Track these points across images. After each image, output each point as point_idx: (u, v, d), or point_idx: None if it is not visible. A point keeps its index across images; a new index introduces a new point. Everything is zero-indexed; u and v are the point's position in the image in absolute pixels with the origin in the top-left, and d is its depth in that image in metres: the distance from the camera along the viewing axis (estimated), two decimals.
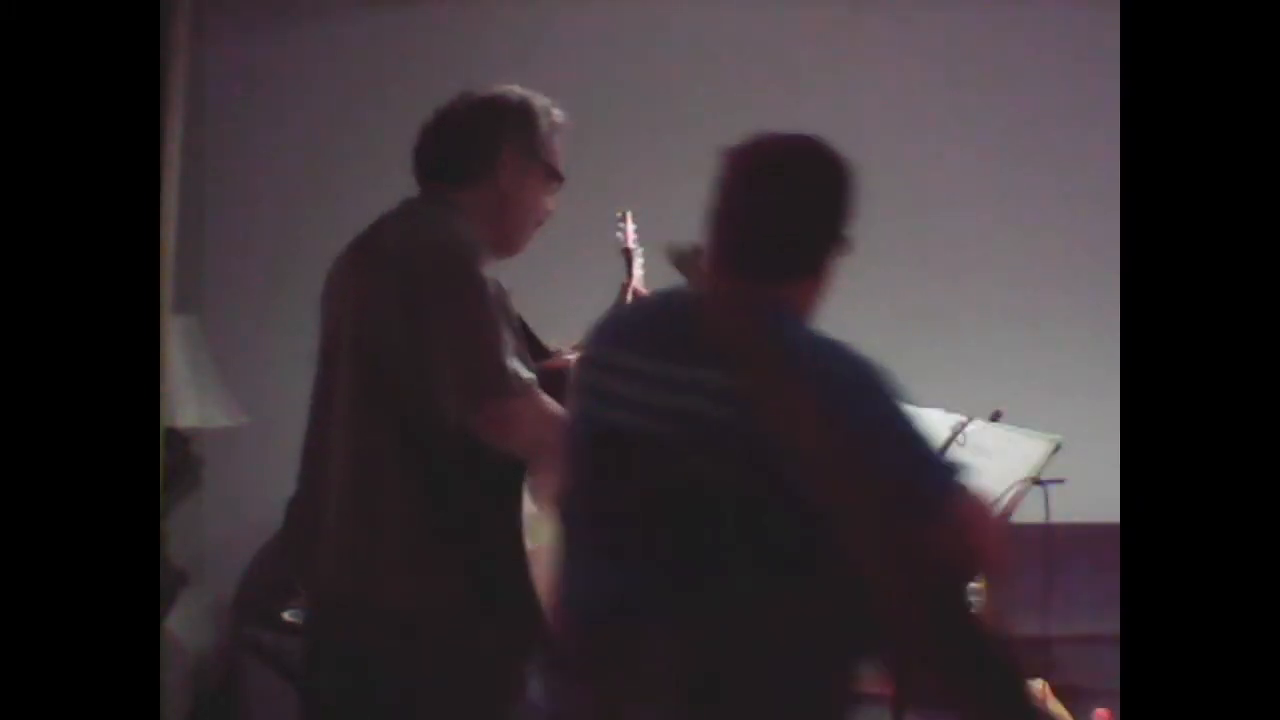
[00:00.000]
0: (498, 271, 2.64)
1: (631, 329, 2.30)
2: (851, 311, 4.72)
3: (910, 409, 2.12)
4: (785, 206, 2.23)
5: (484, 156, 2.71)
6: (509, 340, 2.57)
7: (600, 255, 3.41)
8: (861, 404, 2.08)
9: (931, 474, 2.10)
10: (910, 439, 2.10)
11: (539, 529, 2.51)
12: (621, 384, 2.17)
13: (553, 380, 2.58)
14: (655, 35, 4.87)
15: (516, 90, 2.75)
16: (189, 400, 4.40)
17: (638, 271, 3.28)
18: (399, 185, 2.67)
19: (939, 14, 4.87)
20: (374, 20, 4.83)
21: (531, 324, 2.77)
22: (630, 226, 3.34)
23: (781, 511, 2.03)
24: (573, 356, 2.96)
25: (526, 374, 2.56)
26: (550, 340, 2.85)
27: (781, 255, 2.22)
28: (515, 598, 2.52)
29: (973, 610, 2.23)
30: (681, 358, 2.12)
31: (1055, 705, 3.45)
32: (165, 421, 4.20)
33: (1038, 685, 3.41)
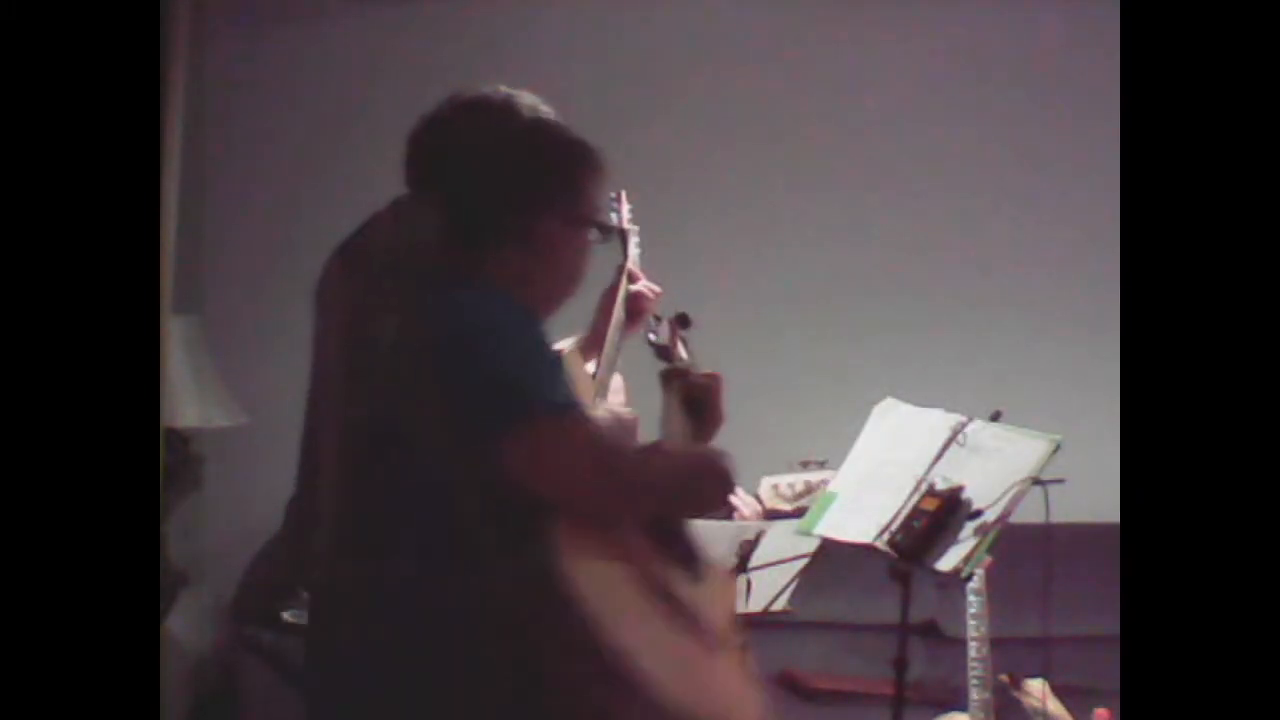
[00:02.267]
0: None
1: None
2: (852, 312, 4.81)
3: (519, 352, 2.19)
4: (471, 170, 2.32)
5: None
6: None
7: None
8: (461, 343, 2.18)
9: (496, 403, 2.16)
10: (486, 373, 2.16)
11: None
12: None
13: None
14: (652, 16, 4.88)
15: (500, 91, 2.73)
16: (189, 400, 4.40)
17: (633, 251, 3.24)
18: (399, 185, 2.66)
19: (939, 10, 4.87)
20: (373, 20, 4.84)
21: None
22: (625, 206, 3.30)
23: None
24: (565, 346, 2.93)
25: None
26: (551, 331, 2.79)
27: (477, 221, 2.29)
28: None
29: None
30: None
31: (1055, 705, 3.45)
32: (165, 421, 4.20)
33: (1038, 685, 3.41)
